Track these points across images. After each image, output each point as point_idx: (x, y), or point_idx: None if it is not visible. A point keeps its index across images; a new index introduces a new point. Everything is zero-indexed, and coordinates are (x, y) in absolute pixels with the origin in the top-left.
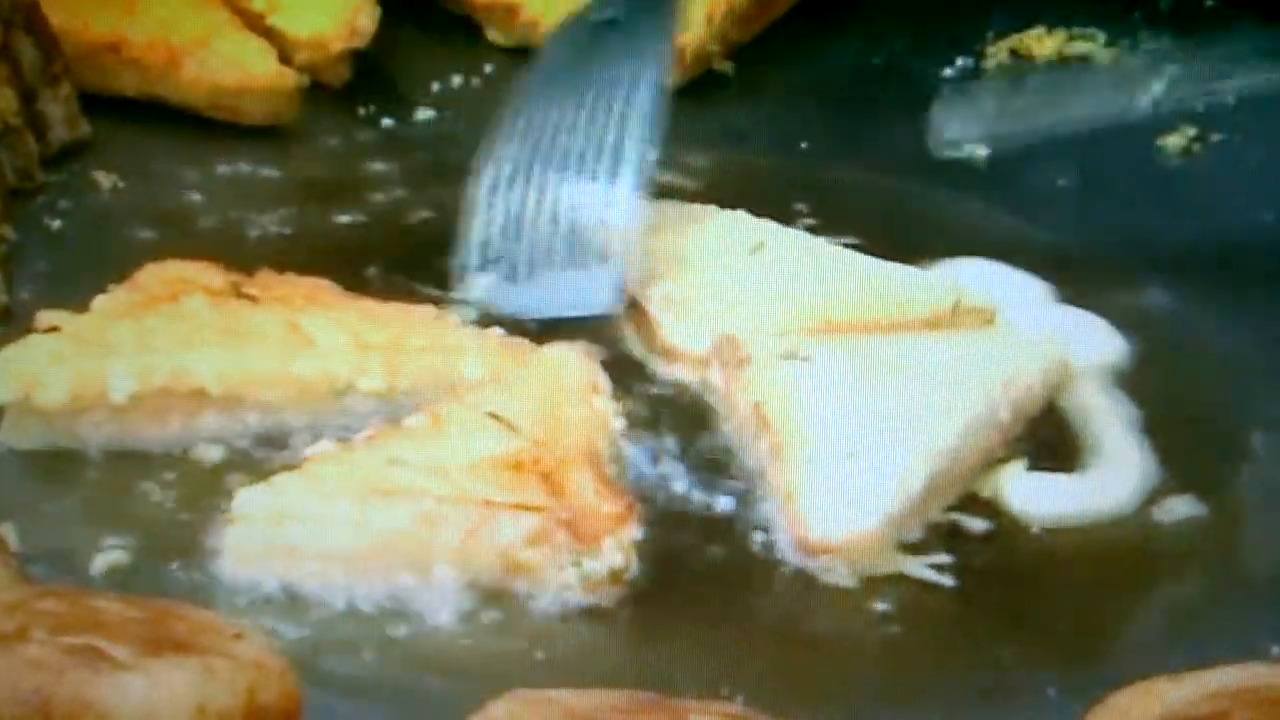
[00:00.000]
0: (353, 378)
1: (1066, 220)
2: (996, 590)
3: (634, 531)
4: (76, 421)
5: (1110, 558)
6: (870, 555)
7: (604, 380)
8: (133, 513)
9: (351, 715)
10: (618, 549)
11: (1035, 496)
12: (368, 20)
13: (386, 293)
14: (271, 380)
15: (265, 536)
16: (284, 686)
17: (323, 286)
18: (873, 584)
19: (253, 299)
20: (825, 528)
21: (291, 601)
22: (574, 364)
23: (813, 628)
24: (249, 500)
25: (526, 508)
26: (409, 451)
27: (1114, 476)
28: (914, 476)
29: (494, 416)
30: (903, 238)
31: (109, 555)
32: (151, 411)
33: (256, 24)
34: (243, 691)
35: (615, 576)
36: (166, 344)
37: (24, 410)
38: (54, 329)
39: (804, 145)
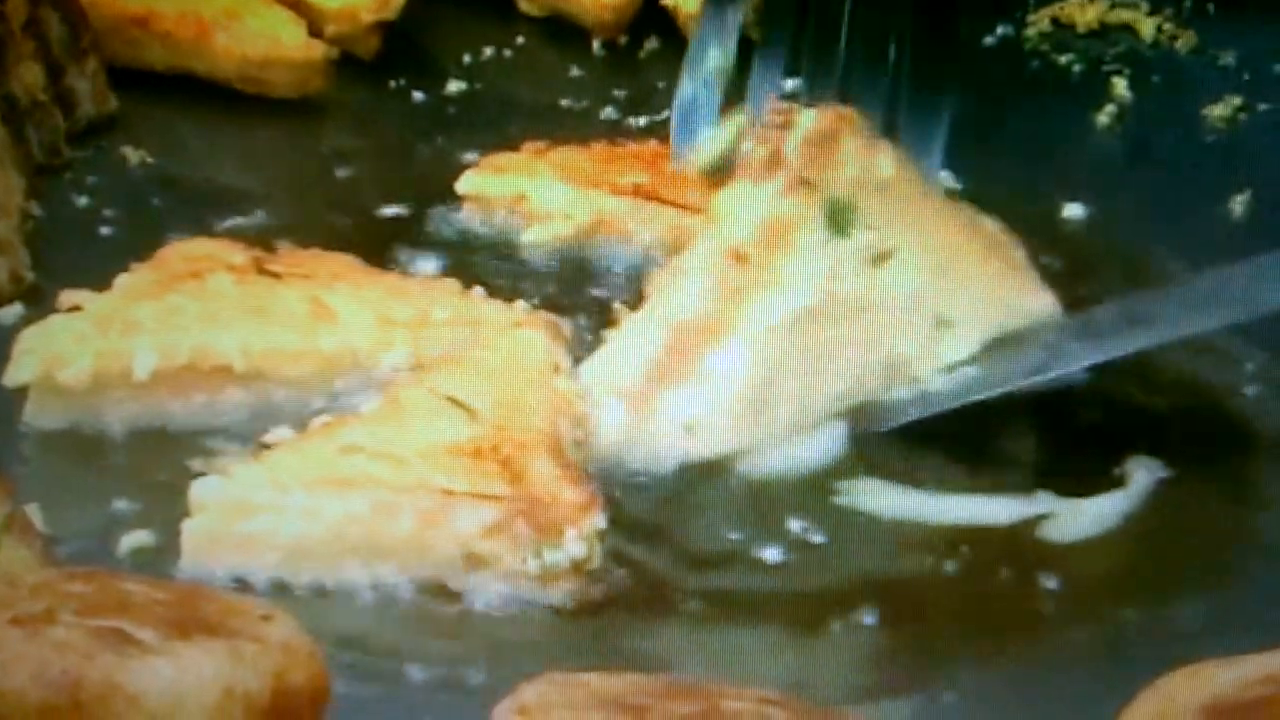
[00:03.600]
0: (376, 353)
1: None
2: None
3: (597, 521)
4: (100, 400)
5: None
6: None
7: (565, 359)
8: (158, 492)
9: (377, 700)
10: (579, 539)
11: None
12: None
13: (410, 266)
14: (295, 356)
15: (223, 526)
16: (311, 669)
17: (346, 262)
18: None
19: (276, 275)
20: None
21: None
22: (535, 343)
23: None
24: (205, 490)
25: (485, 497)
26: (366, 438)
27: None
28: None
29: (453, 401)
30: None
31: (135, 536)
32: (175, 389)
33: None
34: (270, 674)
35: (577, 567)
36: (190, 321)
37: (48, 390)
38: (76, 308)
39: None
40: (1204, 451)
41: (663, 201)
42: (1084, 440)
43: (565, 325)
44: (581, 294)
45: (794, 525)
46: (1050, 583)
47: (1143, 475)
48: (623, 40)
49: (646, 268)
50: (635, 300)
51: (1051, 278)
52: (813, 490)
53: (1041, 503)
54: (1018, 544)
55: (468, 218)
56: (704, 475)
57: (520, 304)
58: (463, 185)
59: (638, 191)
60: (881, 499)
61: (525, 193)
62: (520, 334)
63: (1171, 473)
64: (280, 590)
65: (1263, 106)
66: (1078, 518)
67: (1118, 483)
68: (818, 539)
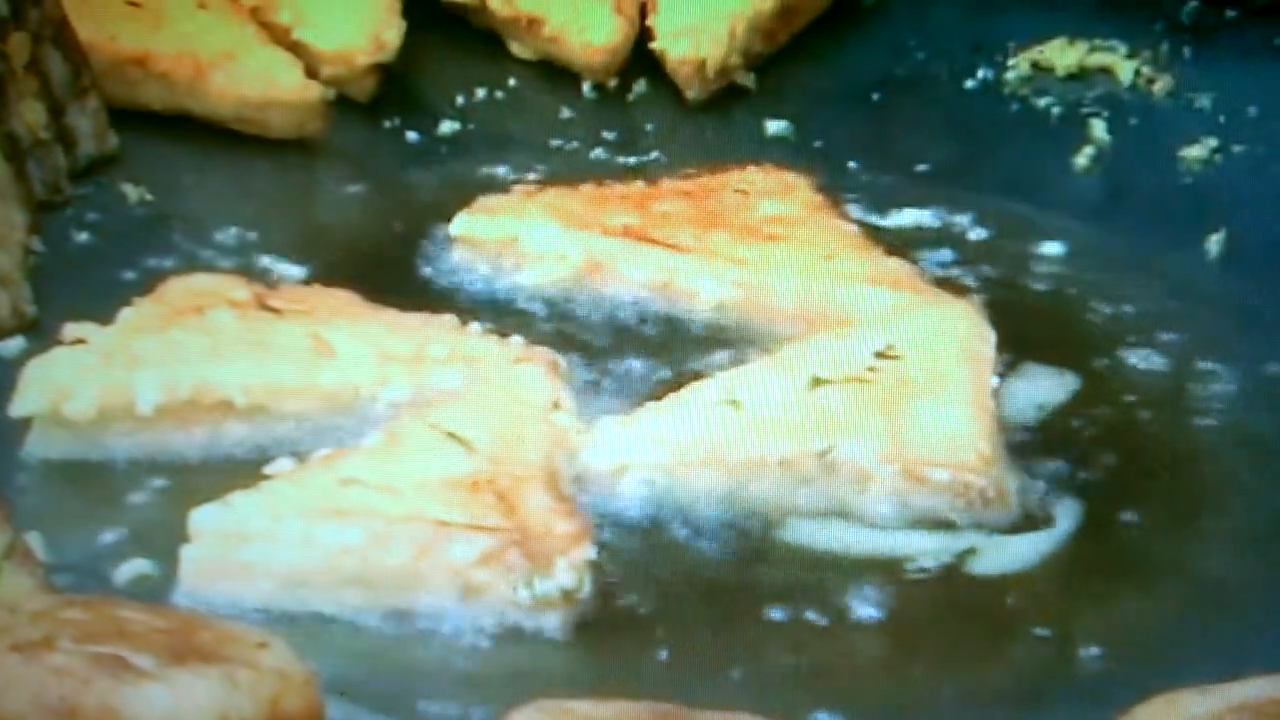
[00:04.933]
0: (375, 388)
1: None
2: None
3: (588, 552)
4: (103, 432)
5: None
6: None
7: (566, 396)
8: (157, 523)
9: None
10: (570, 569)
11: None
12: (393, 34)
13: (410, 303)
14: (295, 392)
15: (220, 555)
16: (306, 696)
17: (345, 298)
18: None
19: (277, 311)
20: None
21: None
22: (536, 380)
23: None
24: (205, 519)
25: (479, 528)
26: (365, 471)
27: None
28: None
29: (452, 435)
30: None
31: (134, 565)
32: (177, 422)
33: (283, 38)
34: (265, 701)
35: (567, 597)
36: (192, 356)
37: (52, 422)
38: (80, 341)
39: (827, 156)
40: (1128, 492)
41: (653, 242)
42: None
43: (562, 362)
44: (574, 332)
45: (763, 562)
46: (995, 616)
47: (1067, 517)
48: (612, 83)
49: (637, 307)
50: (627, 342)
51: (1029, 312)
52: (769, 527)
53: (966, 538)
54: (949, 578)
55: (461, 258)
56: (680, 513)
57: (517, 339)
58: (455, 227)
59: (628, 232)
60: (828, 533)
61: (517, 235)
62: (520, 370)
63: (1094, 514)
64: (276, 618)
65: (1238, 149)
66: (1002, 553)
67: (1044, 522)
68: (778, 573)
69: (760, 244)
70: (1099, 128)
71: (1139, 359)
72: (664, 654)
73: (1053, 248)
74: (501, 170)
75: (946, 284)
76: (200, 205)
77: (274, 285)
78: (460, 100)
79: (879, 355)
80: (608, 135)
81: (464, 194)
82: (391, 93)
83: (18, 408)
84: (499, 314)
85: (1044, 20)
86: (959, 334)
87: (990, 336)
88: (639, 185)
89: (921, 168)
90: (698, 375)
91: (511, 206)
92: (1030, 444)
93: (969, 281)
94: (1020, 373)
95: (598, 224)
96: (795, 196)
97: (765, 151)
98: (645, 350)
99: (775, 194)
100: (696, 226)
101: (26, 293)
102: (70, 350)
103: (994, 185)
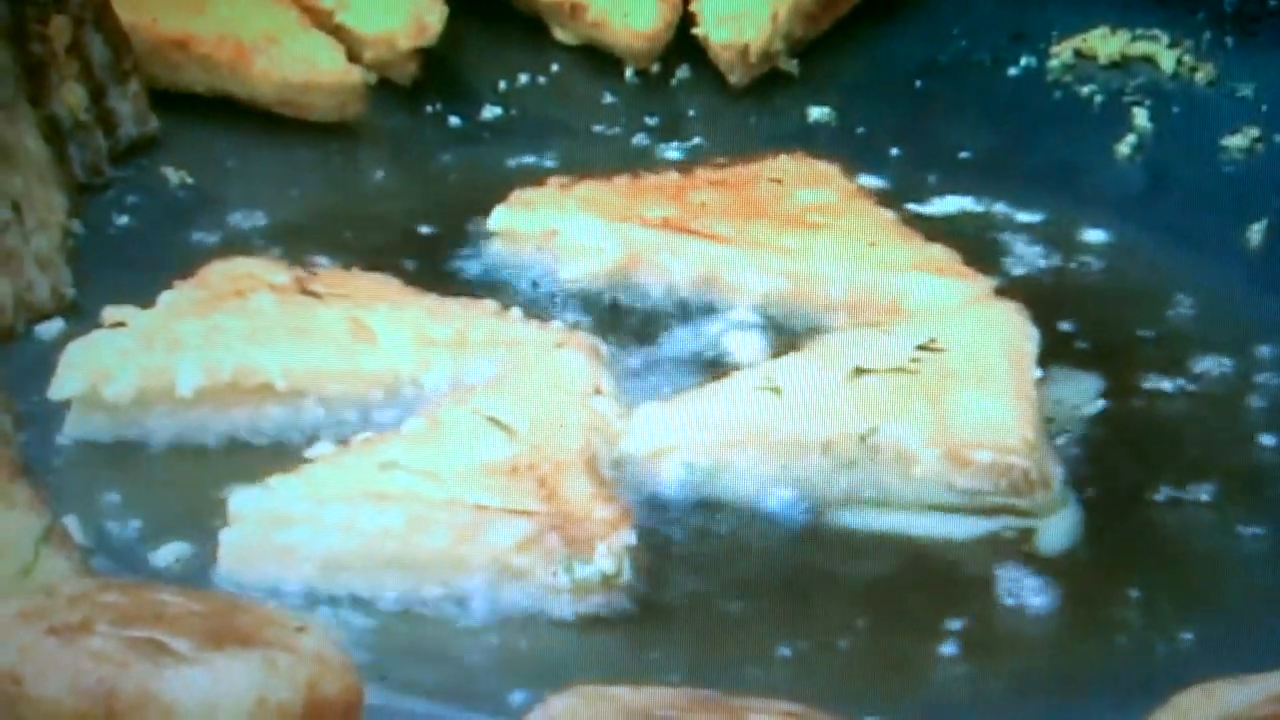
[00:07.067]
0: (415, 373)
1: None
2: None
3: (627, 537)
4: (143, 415)
5: None
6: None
7: (607, 381)
8: (196, 506)
9: (408, 712)
10: (610, 554)
11: None
12: (435, 18)
13: (449, 289)
14: (336, 376)
15: (260, 538)
16: (344, 680)
17: (386, 282)
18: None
19: (317, 295)
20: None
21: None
22: (577, 365)
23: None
24: (245, 501)
25: (518, 512)
26: (405, 455)
27: None
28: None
29: (493, 420)
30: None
31: (172, 548)
32: (217, 405)
33: (325, 21)
34: (303, 685)
35: (607, 582)
36: (233, 340)
37: (91, 404)
38: (120, 324)
39: (869, 142)
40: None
41: (693, 233)
42: None
43: (603, 347)
44: (614, 322)
45: (803, 547)
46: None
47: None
48: (655, 68)
49: (679, 297)
50: (667, 332)
51: (1071, 300)
52: (811, 511)
53: (1001, 521)
54: (999, 558)
55: (501, 250)
56: (720, 497)
57: (557, 324)
58: (494, 222)
59: (667, 224)
60: (871, 518)
61: (557, 228)
62: (561, 354)
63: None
64: (315, 601)
65: (1279, 138)
66: (1047, 534)
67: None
68: (819, 557)
69: (802, 233)
70: (1141, 116)
71: (1182, 347)
72: (704, 639)
73: (1094, 235)
74: (543, 156)
75: (988, 271)
76: (241, 188)
77: (314, 269)
78: (502, 85)
79: (921, 348)
80: (650, 121)
81: (505, 179)
82: (433, 77)
83: (57, 390)
84: (539, 303)
85: (1086, 9)
86: (1002, 331)
87: (1034, 334)
88: (673, 176)
89: (964, 155)
90: (739, 365)
91: (549, 199)
92: (1073, 431)
93: (1011, 269)
94: (1061, 363)
95: (636, 216)
96: (830, 185)
97: (807, 137)
98: (686, 339)
99: (810, 182)
100: (736, 217)
101: (66, 275)
102: (110, 333)
103: (1036, 173)
